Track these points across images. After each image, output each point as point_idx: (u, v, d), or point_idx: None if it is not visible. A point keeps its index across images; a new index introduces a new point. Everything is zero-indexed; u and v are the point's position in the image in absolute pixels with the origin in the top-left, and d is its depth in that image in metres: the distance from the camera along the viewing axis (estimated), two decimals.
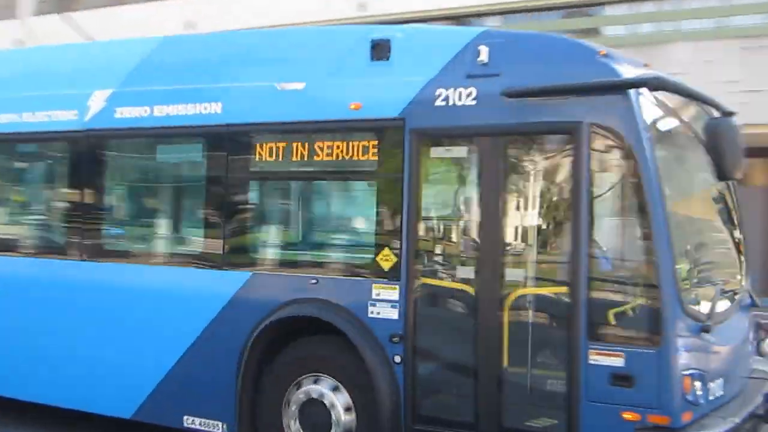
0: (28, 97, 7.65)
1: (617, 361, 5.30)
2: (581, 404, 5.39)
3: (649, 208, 5.27)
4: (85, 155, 7.36)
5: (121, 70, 7.30)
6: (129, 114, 7.12)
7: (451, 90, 5.87)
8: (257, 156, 6.59)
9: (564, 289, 5.53)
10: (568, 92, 5.50)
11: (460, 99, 5.84)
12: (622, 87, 5.37)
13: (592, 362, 5.35)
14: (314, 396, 6.23)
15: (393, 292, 5.97)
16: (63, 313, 7.26)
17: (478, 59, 5.81)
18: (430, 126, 5.95)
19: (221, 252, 6.65)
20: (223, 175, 6.70)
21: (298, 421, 6.28)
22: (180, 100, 6.90)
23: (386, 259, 6.03)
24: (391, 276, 5.98)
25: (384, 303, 5.99)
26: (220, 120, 6.72)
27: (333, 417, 6.13)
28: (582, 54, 5.64)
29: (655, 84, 5.37)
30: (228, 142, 6.70)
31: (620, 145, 5.38)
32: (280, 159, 6.53)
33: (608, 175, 5.53)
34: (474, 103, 5.79)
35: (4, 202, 8.27)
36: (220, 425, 6.52)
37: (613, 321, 5.39)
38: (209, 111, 6.76)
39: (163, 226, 7.34)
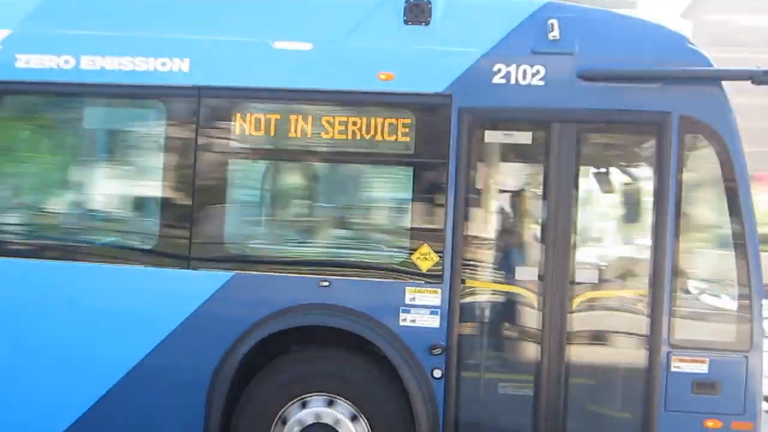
0: None
1: (701, 368, 5.06)
2: (659, 414, 5.08)
3: (743, 211, 5.04)
4: None
5: (26, 4, 5.51)
6: (40, 64, 5.42)
7: (513, 66, 5.17)
8: (239, 129, 5.35)
9: (642, 292, 5.15)
10: (658, 79, 5.07)
11: (524, 77, 5.16)
12: (723, 78, 5.06)
13: (674, 369, 5.05)
14: (319, 420, 5.27)
15: (433, 297, 5.18)
16: None
17: (550, 34, 5.15)
18: (486, 106, 5.20)
19: (187, 247, 5.32)
20: (189, 149, 5.35)
21: None
22: (125, 50, 5.39)
23: (425, 258, 5.19)
24: (431, 278, 5.17)
25: (421, 309, 5.18)
26: (187, 80, 5.37)
27: None
28: (671, 39, 5.21)
29: (762, 77, 5.10)
30: (199, 108, 5.34)
31: (714, 143, 5.05)
32: (272, 134, 5.37)
33: (698, 173, 5.22)
34: (542, 83, 5.15)
35: None
36: None
37: (697, 325, 5.13)
38: (171, 68, 5.37)
39: (92, 211, 5.69)
